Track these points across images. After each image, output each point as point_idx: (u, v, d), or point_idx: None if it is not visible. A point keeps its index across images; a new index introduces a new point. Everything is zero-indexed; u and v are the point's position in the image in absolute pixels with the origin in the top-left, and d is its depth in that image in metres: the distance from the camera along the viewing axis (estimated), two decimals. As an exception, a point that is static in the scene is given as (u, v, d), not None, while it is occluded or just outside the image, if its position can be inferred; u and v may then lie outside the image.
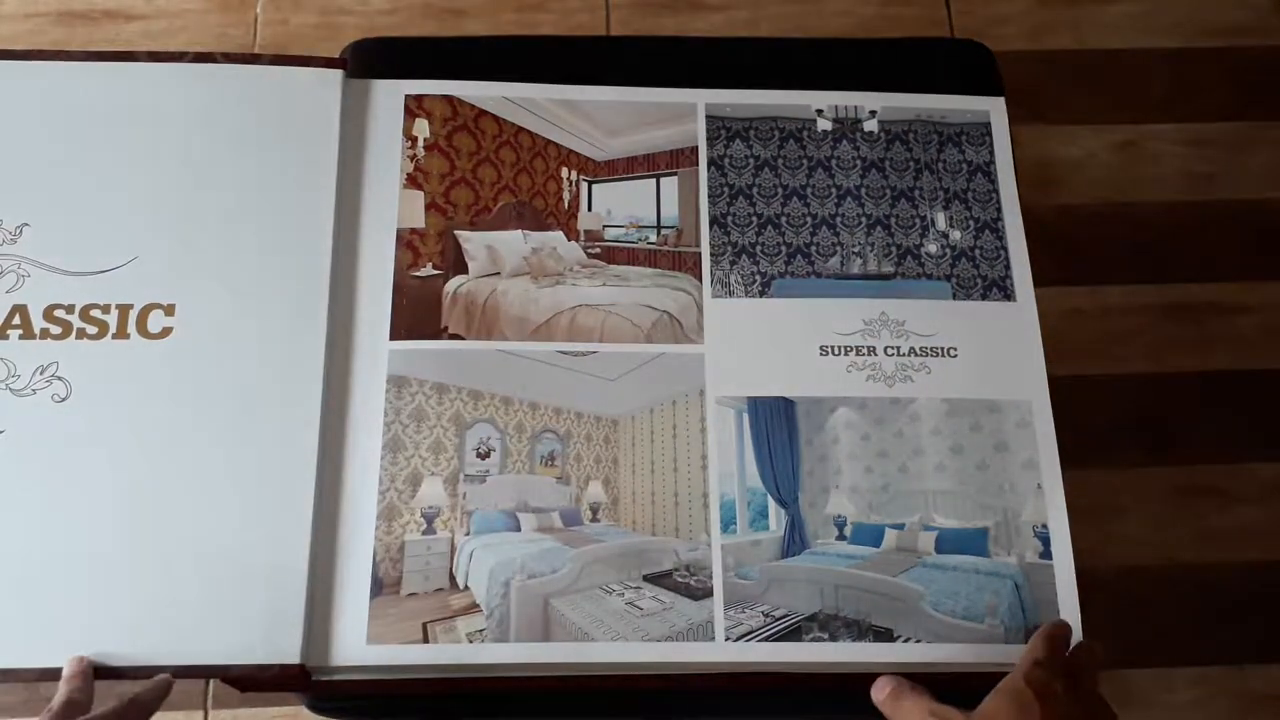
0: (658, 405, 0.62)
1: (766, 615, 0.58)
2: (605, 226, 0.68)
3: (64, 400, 0.59)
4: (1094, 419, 1.04)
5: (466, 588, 0.58)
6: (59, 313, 0.61)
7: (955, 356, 0.64)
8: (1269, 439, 1.07)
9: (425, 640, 0.56)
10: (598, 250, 0.67)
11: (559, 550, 0.59)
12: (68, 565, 0.56)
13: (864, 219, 0.67)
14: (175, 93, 0.66)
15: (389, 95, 0.68)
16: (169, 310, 0.61)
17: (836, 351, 0.64)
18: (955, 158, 0.68)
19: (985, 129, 0.69)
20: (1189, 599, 1.01)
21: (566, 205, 0.68)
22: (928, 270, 0.66)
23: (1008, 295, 0.65)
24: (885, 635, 0.58)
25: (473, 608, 0.57)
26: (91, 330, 0.61)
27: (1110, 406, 1.05)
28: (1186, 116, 1.18)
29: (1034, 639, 0.56)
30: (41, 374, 0.60)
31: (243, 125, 0.65)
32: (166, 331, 0.61)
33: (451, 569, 0.58)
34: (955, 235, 0.67)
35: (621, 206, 0.68)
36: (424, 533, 0.59)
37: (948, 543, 0.61)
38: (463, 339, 0.63)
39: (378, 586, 0.57)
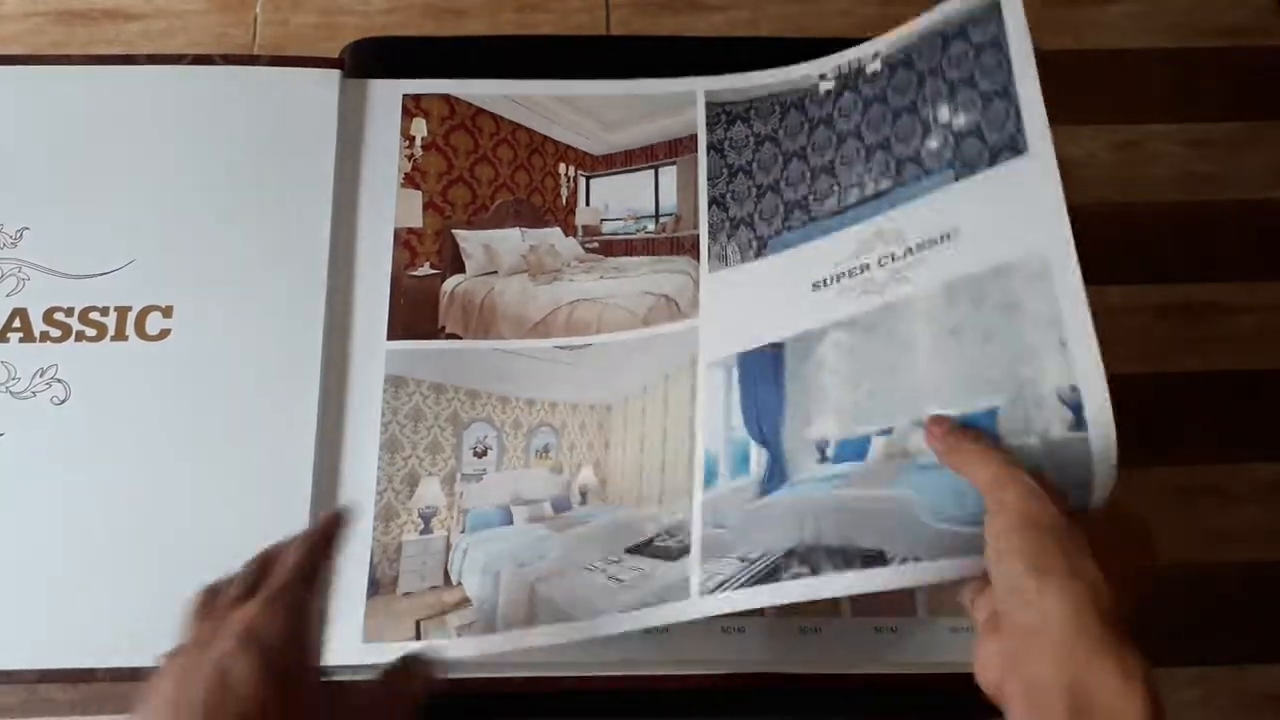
0: (651, 384, 0.62)
1: (742, 560, 0.53)
2: (603, 220, 0.67)
3: (63, 402, 0.59)
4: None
5: (459, 584, 0.58)
6: (58, 315, 0.61)
7: (952, 239, 0.54)
8: (1269, 439, 1.07)
9: (418, 638, 0.56)
10: (595, 244, 0.67)
11: (548, 537, 0.59)
12: (66, 566, 0.56)
13: (863, 150, 0.61)
14: (173, 95, 0.66)
15: (387, 95, 0.68)
16: (167, 312, 0.61)
17: (829, 282, 0.58)
18: (960, 49, 0.58)
19: (994, 8, 0.58)
20: (1189, 599, 1.01)
21: (564, 201, 0.67)
22: (928, 168, 0.58)
23: (1018, 150, 0.54)
24: (876, 559, 0.49)
25: (464, 602, 0.57)
26: (90, 333, 0.61)
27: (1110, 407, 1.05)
28: (1186, 116, 1.18)
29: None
30: (41, 376, 0.60)
31: (240, 126, 0.65)
32: (165, 333, 0.61)
33: (446, 566, 0.58)
34: (960, 120, 0.57)
35: (619, 199, 0.67)
36: (421, 533, 0.59)
37: None
38: (460, 338, 0.63)
39: (374, 586, 0.57)
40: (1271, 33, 1.21)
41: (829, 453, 0.55)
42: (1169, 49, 1.20)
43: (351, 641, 0.56)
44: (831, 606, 0.58)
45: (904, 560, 0.48)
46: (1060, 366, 0.49)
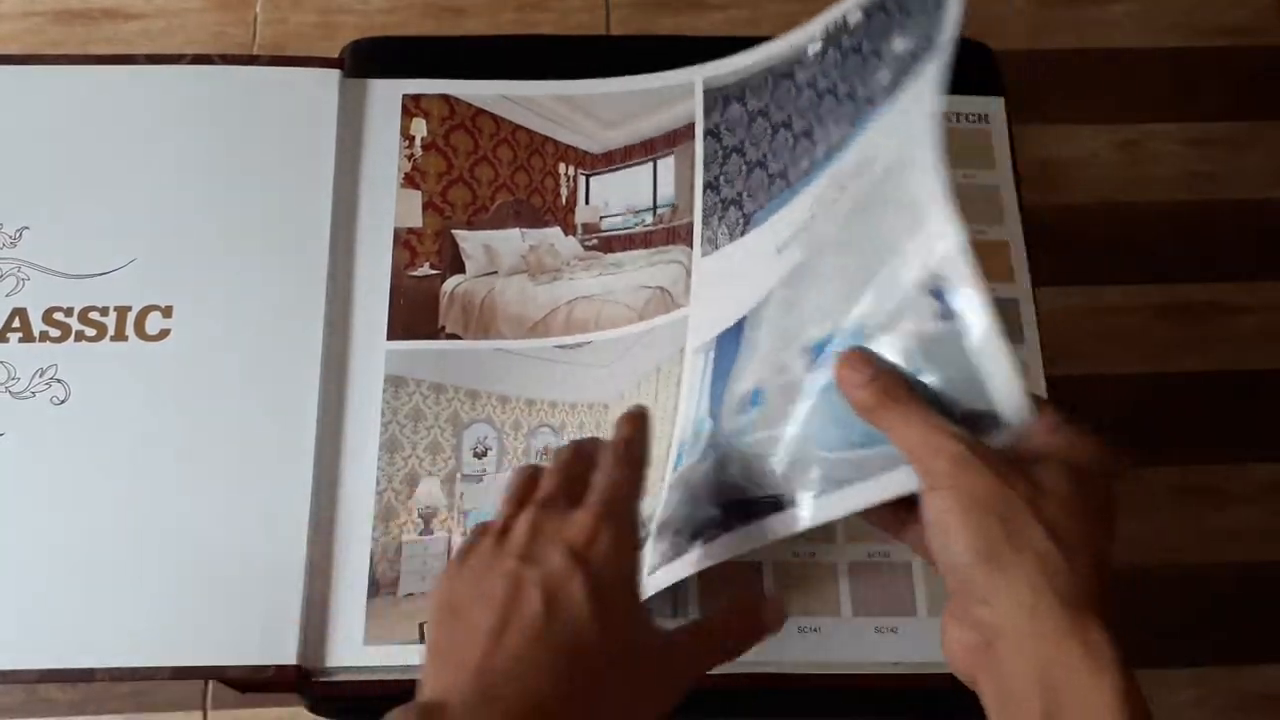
0: (645, 378, 0.61)
1: (676, 533, 0.52)
2: (603, 218, 0.67)
3: (63, 402, 0.59)
4: (1094, 419, 1.04)
5: (461, 587, 0.58)
6: (58, 315, 0.61)
7: (871, 163, 0.48)
8: (1269, 439, 1.07)
9: (421, 640, 0.56)
10: (595, 242, 0.67)
11: None
12: (66, 566, 0.56)
13: (835, 104, 0.56)
14: (172, 95, 0.66)
15: (386, 95, 0.68)
16: (166, 312, 0.61)
17: (789, 244, 0.54)
18: None
19: None
20: (1188, 599, 1.01)
21: (564, 201, 0.67)
22: (878, 104, 0.51)
23: (932, 50, 0.46)
24: (777, 505, 0.47)
25: (466, 606, 0.57)
26: (90, 333, 0.61)
27: (1110, 406, 1.05)
28: (1187, 116, 1.18)
29: None
30: (41, 376, 0.60)
31: (240, 126, 0.65)
32: (164, 333, 0.61)
33: (448, 569, 0.58)
34: (909, 45, 0.49)
35: (619, 196, 0.67)
36: (421, 533, 0.59)
37: (818, 354, 0.46)
38: (460, 338, 0.63)
39: (375, 587, 0.57)
40: (1272, 33, 1.21)
41: (746, 404, 0.53)
42: (1169, 48, 1.20)
43: (353, 643, 0.56)
44: (831, 606, 0.58)
45: (804, 500, 0.46)
46: (922, 252, 0.42)
